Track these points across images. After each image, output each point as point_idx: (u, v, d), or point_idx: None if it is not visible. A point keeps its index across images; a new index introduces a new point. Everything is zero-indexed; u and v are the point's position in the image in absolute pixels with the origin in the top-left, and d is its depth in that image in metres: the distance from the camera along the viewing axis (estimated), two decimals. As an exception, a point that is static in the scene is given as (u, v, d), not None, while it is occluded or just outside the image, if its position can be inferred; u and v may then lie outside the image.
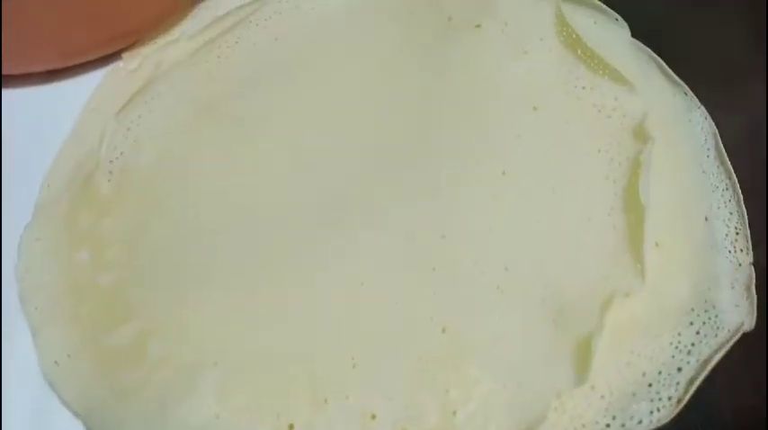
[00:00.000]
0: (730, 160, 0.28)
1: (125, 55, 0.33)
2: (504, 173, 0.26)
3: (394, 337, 0.23)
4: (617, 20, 0.31)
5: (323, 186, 0.28)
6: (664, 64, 0.30)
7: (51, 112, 0.32)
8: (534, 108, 0.28)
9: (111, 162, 0.29)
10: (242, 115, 0.30)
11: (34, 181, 0.30)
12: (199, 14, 0.35)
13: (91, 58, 0.33)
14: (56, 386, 0.24)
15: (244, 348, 0.23)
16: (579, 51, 0.29)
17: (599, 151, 0.27)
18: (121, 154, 0.29)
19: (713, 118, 0.29)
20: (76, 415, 0.24)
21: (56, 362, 0.24)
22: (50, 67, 0.33)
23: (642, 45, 0.30)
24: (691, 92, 0.29)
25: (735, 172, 0.28)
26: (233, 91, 0.31)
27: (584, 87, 0.28)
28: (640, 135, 0.27)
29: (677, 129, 0.28)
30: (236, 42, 0.32)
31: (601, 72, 0.29)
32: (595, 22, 0.31)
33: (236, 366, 0.23)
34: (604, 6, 0.31)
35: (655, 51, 0.31)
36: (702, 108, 0.29)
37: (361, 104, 0.30)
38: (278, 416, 0.22)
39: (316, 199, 0.27)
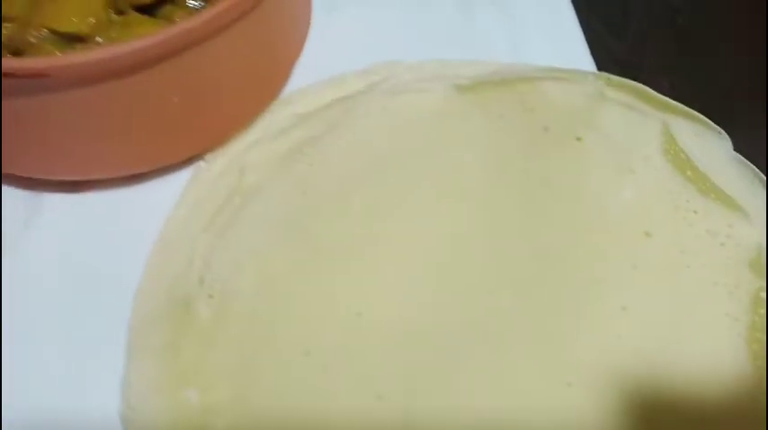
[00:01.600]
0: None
1: (208, 156, 0.33)
2: (623, 308, 0.26)
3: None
4: (720, 133, 0.30)
5: (431, 313, 0.27)
6: (769, 181, 0.29)
7: (135, 217, 0.31)
8: (646, 234, 0.28)
9: (209, 285, 0.28)
10: (340, 229, 0.29)
11: (124, 295, 0.29)
12: (276, 110, 0.34)
13: (172, 162, 0.32)
14: None
15: None
16: (688, 172, 0.29)
17: (716, 284, 0.26)
18: (219, 275, 0.28)
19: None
20: None
21: None
22: (130, 173, 0.31)
23: (745, 160, 0.30)
24: (799, 212, 0.29)
25: None
26: (327, 202, 0.30)
27: (695, 212, 0.28)
28: (757, 268, 0.27)
29: (789, 254, 0.28)
30: (326, 148, 0.32)
31: (712, 196, 0.28)
32: (697, 135, 0.30)
33: None
34: (706, 119, 0.30)
35: (752, 161, 0.30)
36: (813, 230, 0.29)
37: (459, 221, 0.29)
38: None
39: (426, 328, 0.27)
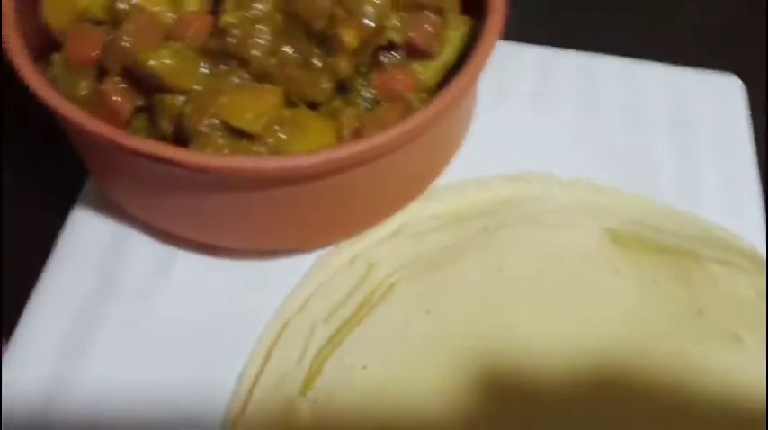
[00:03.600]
0: None
1: (341, 245, 0.32)
2: None
3: None
4: None
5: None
6: None
7: (259, 289, 0.31)
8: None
9: (317, 388, 0.28)
10: (454, 359, 0.28)
11: (229, 366, 0.29)
12: (415, 205, 0.33)
13: (315, 248, 0.32)
14: None
15: None
16: None
17: None
18: (329, 382, 0.28)
19: None
20: None
21: None
22: (275, 249, 0.31)
23: None
24: None
25: None
26: (448, 329, 0.29)
27: None
28: None
29: None
30: (461, 267, 0.30)
31: None
32: None
33: None
34: None
35: None
36: None
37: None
38: None
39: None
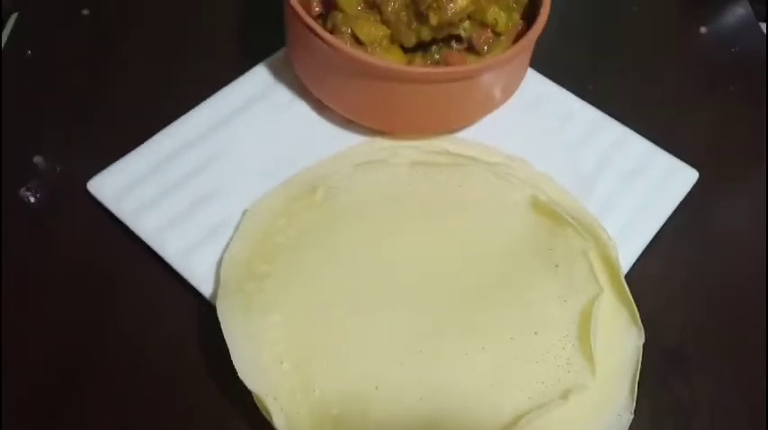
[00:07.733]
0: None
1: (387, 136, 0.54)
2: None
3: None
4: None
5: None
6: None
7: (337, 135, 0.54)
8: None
9: (333, 182, 0.50)
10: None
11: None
12: (441, 137, 0.54)
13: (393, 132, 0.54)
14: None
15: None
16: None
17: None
18: (336, 184, 0.50)
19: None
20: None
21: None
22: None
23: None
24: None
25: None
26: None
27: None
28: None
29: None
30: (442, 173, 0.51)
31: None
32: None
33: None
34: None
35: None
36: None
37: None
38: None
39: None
